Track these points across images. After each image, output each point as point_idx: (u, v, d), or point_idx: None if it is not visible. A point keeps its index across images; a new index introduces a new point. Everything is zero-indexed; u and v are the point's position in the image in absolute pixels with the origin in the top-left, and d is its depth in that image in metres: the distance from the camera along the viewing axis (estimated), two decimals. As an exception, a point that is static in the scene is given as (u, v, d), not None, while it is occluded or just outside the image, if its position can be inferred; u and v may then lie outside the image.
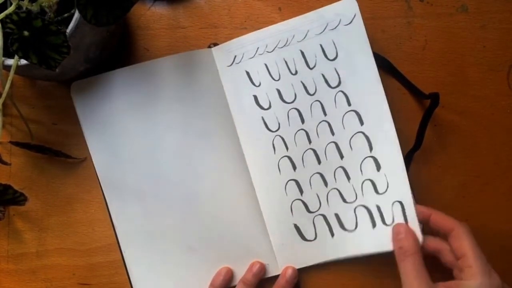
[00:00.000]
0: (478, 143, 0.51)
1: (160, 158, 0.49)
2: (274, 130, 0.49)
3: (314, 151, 0.49)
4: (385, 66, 0.50)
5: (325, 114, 0.49)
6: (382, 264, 0.48)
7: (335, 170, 0.48)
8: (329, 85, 0.49)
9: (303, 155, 0.49)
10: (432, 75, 0.51)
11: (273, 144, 0.49)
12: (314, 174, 0.49)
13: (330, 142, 0.48)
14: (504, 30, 0.51)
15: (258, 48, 0.49)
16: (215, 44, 0.50)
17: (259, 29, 0.50)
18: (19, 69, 0.40)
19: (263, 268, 0.48)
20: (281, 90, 0.49)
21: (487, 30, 0.51)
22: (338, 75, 0.48)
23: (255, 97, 0.49)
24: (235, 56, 0.50)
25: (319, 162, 0.49)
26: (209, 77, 0.49)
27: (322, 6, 0.50)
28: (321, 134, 0.49)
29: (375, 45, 0.50)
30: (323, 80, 0.49)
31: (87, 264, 0.51)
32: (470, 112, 0.51)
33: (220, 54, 0.50)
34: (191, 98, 0.49)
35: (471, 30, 0.51)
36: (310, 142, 0.49)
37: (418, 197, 0.49)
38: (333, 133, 0.49)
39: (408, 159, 0.49)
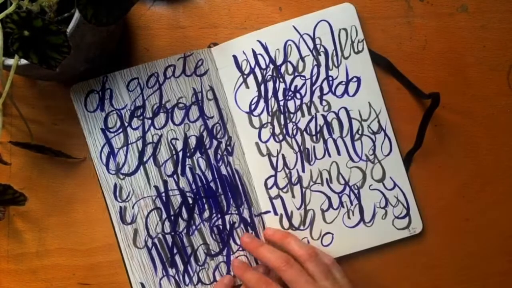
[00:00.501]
0: (478, 143, 0.51)
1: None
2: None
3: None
4: (385, 66, 0.50)
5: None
6: (379, 259, 0.49)
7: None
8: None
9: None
10: (432, 75, 0.51)
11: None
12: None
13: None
14: (504, 30, 0.51)
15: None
16: (215, 44, 0.50)
17: (259, 29, 0.50)
18: (19, 69, 0.40)
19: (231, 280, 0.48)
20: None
21: (487, 30, 0.51)
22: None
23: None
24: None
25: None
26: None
27: (322, 6, 0.50)
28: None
29: (375, 45, 0.50)
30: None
31: (87, 264, 0.51)
32: (470, 112, 0.51)
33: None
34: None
35: (471, 30, 0.51)
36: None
37: (418, 197, 0.49)
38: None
39: (408, 159, 0.49)
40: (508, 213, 0.50)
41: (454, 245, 0.50)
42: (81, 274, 0.51)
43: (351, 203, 0.49)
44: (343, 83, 0.49)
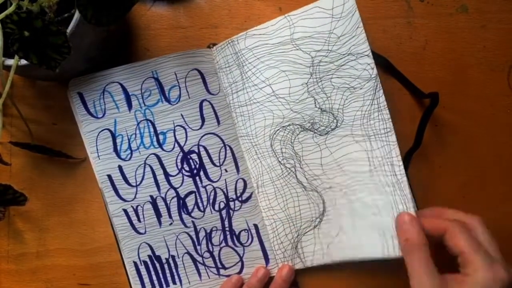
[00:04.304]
0: (478, 143, 0.51)
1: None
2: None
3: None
4: (385, 66, 0.50)
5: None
6: (381, 263, 0.49)
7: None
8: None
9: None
10: (432, 75, 0.51)
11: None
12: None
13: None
14: (504, 30, 0.51)
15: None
16: (215, 45, 0.50)
17: (259, 29, 0.50)
18: (19, 69, 0.40)
19: (267, 274, 0.48)
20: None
21: (487, 30, 0.51)
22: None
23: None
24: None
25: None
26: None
27: (322, 6, 0.50)
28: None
29: (375, 45, 0.50)
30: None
31: (87, 264, 0.51)
32: (470, 112, 0.51)
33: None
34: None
35: (471, 30, 0.51)
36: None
37: (418, 197, 0.49)
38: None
39: (407, 158, 0.49)
40: (508, 213, 0.50)
41: (454, 245, 0.50)
42: (81, 274, 0.51)
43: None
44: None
